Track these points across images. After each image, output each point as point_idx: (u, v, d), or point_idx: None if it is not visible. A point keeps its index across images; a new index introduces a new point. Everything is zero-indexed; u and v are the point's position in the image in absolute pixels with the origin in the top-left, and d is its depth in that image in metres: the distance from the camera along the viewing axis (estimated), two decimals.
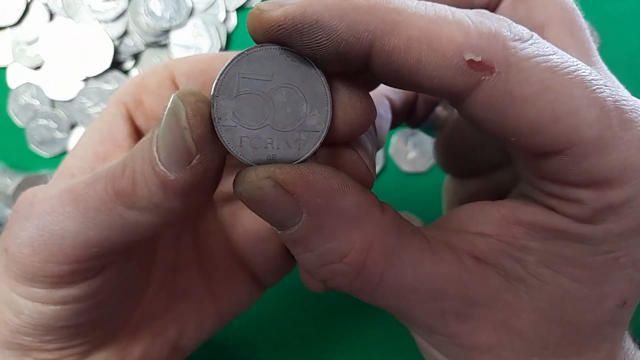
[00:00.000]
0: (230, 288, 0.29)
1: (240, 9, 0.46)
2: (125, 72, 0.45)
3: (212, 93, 0.17)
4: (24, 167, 0.45)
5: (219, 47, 0.45)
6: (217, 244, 0.29)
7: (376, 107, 0.26)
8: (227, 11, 0.46)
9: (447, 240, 0.20)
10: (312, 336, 0.41)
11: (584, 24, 0.21)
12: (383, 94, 0.28)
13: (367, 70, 0.18)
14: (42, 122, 0.44)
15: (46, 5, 0.45)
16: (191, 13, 0.45)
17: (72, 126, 0.45)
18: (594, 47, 0.21)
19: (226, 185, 0.25)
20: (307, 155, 0.18)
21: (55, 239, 0.20)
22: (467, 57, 0.16)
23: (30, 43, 0.45)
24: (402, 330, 0.25)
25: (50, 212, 0.20)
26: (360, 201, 0.18)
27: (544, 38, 0.19)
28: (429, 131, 0.32)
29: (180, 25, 0.45)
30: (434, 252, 0.19)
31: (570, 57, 0.17)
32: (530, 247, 0.19)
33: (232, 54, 0.18)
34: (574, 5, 0.21)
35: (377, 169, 0.44)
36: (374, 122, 0.19)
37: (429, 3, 0.17)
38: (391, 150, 0.44)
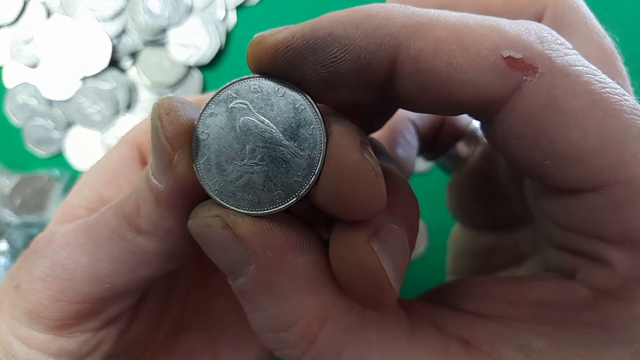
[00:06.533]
0: (236, 353, 0.26)
1: (239, 7, 0.46)
2: (123, 70, 0.45)
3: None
4: (21, 166, 0.45)
5: (218, 45, 0.45)
6: (228, 304, 0.27)
7: (403, 133, 0.23)
8: (226, 9, 0.45)
9: (435, 318, 0.17)
10: None
11: (624, 70, 0.18)
12: (408, 119, 0.25)
13: (385, 96, 0.15)
14: (39, 121, 0.44)
15: (43, 3, 0.45)
16: (190, 11, 0.45)
17: (69, 125, 0.45)
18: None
19: None
20: (279, 208, 0.15)
21: (67, 274, 0.19)
22: (506, 53, 0.14)
23: (27, 42, 0.45)
24: None
25: (65, 245, 0.19)
26: (319, 262, 0.16)
27: None
28: (445, 168, 0.28)
29: (178, 24, 0.44)
30: (413, 333, 0.16)
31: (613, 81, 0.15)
32: (538, 331, 0.16)
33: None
34: (614, 48, 0.19)
35: None
36: (384, 205, 0.15)
37: (449, 11, 0.15)
38: None
